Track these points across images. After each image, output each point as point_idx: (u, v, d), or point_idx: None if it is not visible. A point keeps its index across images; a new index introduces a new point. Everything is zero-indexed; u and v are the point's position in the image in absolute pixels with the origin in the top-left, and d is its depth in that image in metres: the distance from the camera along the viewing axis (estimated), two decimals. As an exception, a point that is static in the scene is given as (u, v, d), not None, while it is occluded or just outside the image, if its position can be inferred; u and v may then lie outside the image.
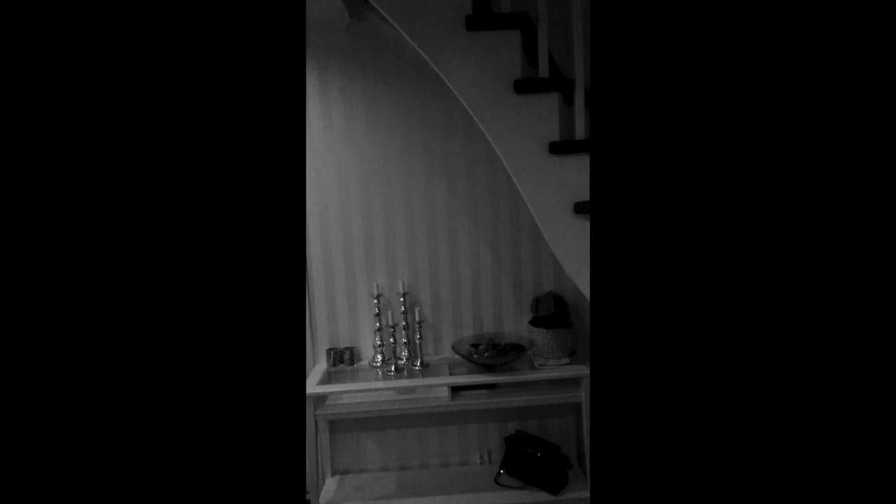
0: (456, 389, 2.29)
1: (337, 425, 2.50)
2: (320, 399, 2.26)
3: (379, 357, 2.39)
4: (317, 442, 2.24)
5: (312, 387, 2.17)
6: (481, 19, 1.63)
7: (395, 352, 2.39)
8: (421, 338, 2.40)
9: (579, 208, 1.64)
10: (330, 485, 2.41)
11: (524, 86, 1.65)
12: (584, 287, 1.68)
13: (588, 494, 2.23)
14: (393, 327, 2.39)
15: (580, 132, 1.67)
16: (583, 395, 2.25)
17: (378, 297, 2.39)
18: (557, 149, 1.65)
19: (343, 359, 2.41)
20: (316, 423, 2.20)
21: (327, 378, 2.29)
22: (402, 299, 2.39)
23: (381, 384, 2.22)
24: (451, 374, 2.26)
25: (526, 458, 2.30)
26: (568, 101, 1.82)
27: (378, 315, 2.39)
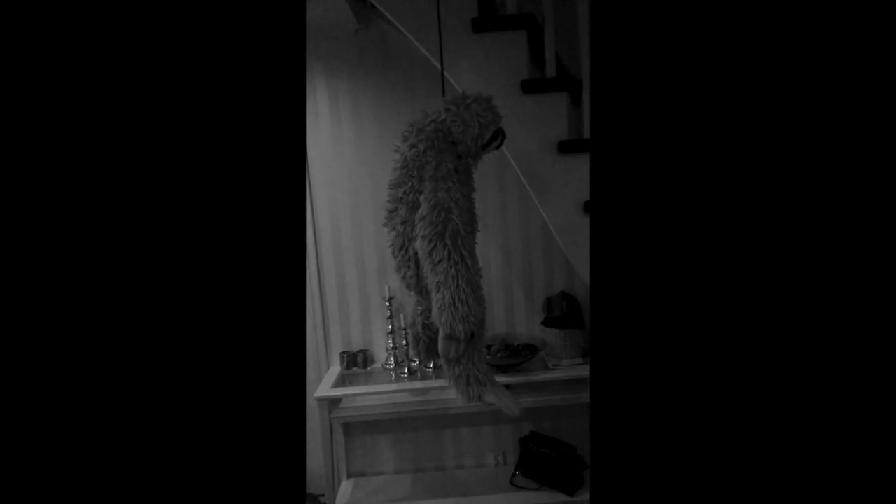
0: (469, 391, 2.29)
1: (351, 428, 2.51)
2: (334, 402, 2.27)
3: (392, 359, 2.39)
4: (332, 445, 2.25)
5: (326, 390, 2.18)
6: (487, 21, 1.64)
7: (407, 354, 2.40)
8: (433, 340, 2.41)
9: (589, 207, 1.64)
10: (346, 488, 2.42)
11: (531, 86, 1.65)
12: (596, 286, 1.68)
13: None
14: (405, 329, 2.40)
15: (588, 131, 1.67)
16: (597, 395, 2.24)
17: (390, 300, 2.40)
18: (566, 148, 1.65)
19: (356, 361, 2.42)
20: (331, 426, 2.21)
21: (341, 381, 2.30)
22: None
23: (394, 386, 2.23)
24: (464, 376, 2.26)
25: (541, 458, 2.29)
26: (575, 100, 1.82)
27: (390, 318, 2.40)
